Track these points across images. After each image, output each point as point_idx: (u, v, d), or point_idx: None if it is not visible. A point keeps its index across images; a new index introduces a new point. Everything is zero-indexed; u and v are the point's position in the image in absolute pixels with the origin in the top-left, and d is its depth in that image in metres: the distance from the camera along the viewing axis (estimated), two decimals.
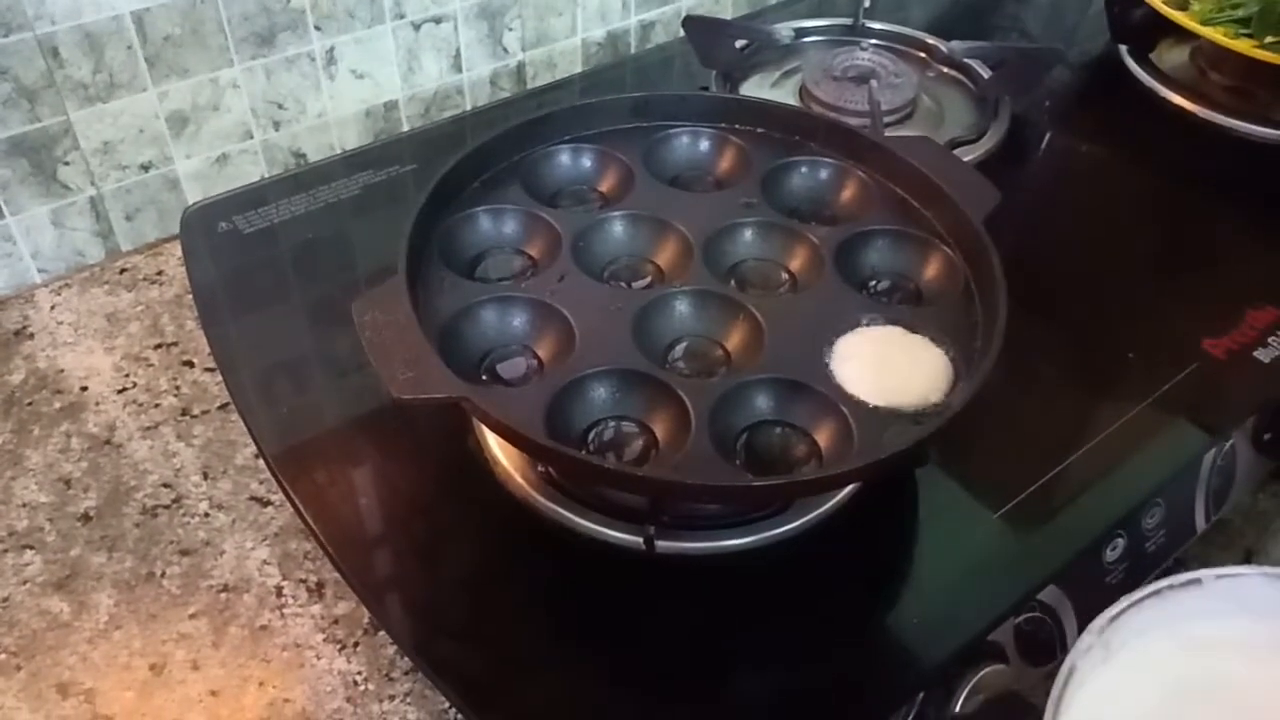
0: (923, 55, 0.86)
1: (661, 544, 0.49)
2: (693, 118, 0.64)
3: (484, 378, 0.51)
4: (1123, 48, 0.89)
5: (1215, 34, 0.78)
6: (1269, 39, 0.78)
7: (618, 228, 0.58)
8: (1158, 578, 0.56)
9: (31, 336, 0.70)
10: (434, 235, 0.55)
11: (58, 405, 0.65)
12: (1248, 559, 0.60)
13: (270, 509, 0.60)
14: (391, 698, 0.51)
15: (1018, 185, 0.75)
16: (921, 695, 0.45)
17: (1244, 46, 0.78)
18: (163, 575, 0.56)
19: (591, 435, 0.49)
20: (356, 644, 0.54)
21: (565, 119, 0.62)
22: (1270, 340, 0.62)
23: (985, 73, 0.82)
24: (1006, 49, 0.85)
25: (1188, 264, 0.69)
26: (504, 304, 0.53)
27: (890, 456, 0.44)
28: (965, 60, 0.83)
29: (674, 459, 0.46)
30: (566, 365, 0.50)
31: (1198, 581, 0.39)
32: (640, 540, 0.49)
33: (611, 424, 0.49)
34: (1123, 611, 0.38)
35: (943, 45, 0.85)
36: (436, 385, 0.44)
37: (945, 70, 0.84)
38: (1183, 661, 0.39)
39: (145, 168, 0.76)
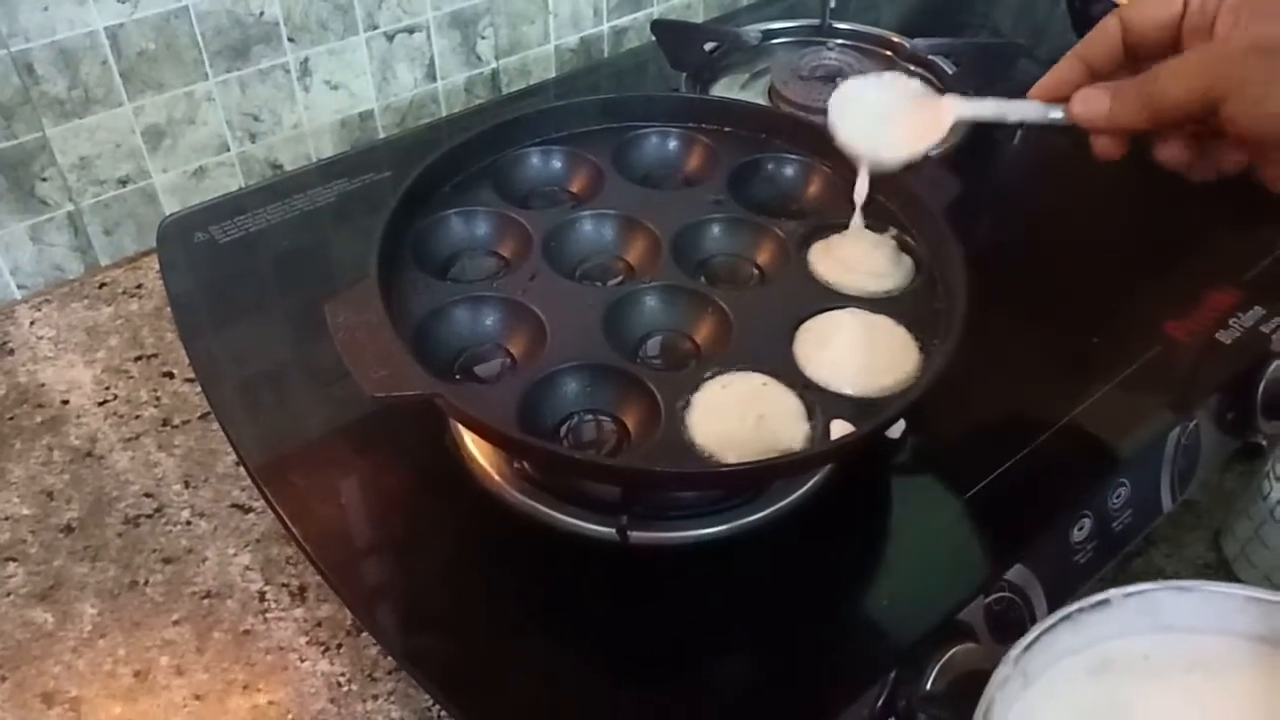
0: (888, 53, 0.87)
1: (636, 534, 0.49)
2: (661, 118, 0.65)
3: (458, 376, 0.51)
4: None
5: None
6: None
7: (588, 226, 0.59)
8: (1119, 564, 0.57)
9: (11, 352, 0.70)
10: (406, 238, 0.55)
11: (39, 419, 0.66)
12: (1215, 538, 0.61)
13: (252, 515, 0.60)
14: (375, 697, 0.52)
15: (983, 176, 0.77)
16: (893, 675, 0.46)
17: None
18: (146, 583, 0.57)
19: (564, 429, 0.50)
20: (339, 645, 0.54)
21: (535, 121, 0.63)
22: (1231, 321, 0.63)
23: (950, 69, 0.83)
24: (968, 44, 0.86)
25: (1150, 249, 0.70)
26: (476, 303, 0.53)
27: (851, 440, 0.45)
28: (929, 57, 0.84)
29: (644, 449, 0.47)
30: (539, 361, 0.50)
31: (1106, 602, 0.39)
32: (614, 531, 0.49)
33: (585, 417, 0.50)
34: (1037, 638, 0.38)
35: (906, 43, 0.86)
36: (409, 383, 0.45)
37: (911, 68, 0.86)
38: (1089, 685, 0.39)
39: (123, 182, 0.76)
